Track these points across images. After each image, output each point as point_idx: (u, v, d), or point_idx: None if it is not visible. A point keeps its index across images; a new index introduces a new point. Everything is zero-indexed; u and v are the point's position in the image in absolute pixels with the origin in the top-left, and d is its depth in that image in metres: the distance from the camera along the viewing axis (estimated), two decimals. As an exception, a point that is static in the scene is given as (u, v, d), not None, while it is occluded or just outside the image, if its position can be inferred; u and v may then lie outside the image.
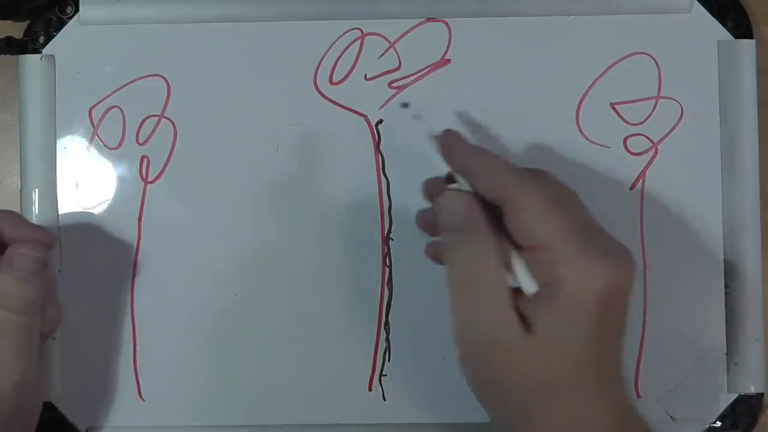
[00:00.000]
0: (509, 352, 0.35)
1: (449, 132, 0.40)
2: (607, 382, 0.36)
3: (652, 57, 0.45)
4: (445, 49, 0.45)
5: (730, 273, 0.45)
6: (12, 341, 0.38)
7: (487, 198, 0.37)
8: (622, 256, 0.36)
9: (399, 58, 0.45)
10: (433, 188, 0.40)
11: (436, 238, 0.41)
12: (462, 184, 0.38)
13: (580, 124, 0.45)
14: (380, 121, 0.45)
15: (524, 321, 0.35)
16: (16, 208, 0.45)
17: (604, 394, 0.36)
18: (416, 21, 0.45)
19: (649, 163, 0.45)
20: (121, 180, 0.46)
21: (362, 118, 0.45)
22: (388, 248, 0.45)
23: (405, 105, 0.45)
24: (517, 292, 0.36)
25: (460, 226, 0.37)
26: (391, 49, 0.45)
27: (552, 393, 0.35)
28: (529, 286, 0.36)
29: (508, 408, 0.37)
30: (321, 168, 0.45)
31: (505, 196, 0.36)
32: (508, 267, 0.36)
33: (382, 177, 0.45)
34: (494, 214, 0.37)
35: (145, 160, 0.46)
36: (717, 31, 0.45)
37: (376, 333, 0.45)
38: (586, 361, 0.35)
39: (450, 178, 0.38)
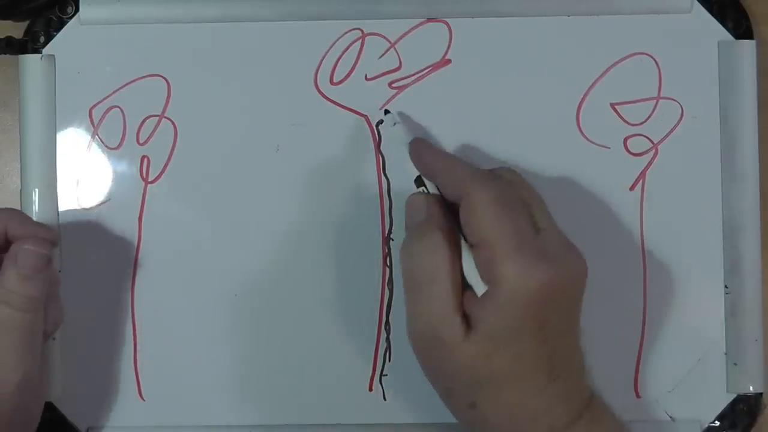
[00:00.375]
0: (450, 350, 0.37)
1: (418, 139, 0.42)
2: (555, 377, 0.37)
3: (652, 57, 0.45)
4: (445, 49, 0.45)
5: (730, 273, 0.45)
6: (15, 339, 0.38)
7: (448, 197, 0.39)
8: (565, 258, 0.37)
9: (399, 59, 0.45)
10: None
11: None
12: (429, 187, 0.40)
13: (581, 125, 0.45)
14: (381, 122, 0.45)
15: (468, 319, 0.37)
16: (16, 208, 0.45)
17: (551, 388, 0.37)
18: (417, 21, 0.45)
19: (650, 163, 0.45)
20: (122, 180, 0.46)
21: (363, 119, 0.45)
22: (389, 248, 0.45)
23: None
24: (469, 290, 0.37)
25: (418, 226, 0.39)
26: (392, 49, 0.45)
27: (494, 387, 0.37)
28: (478, 286, 0.37)
29: (455, 397, 0.39)
30: (321, 168, 0.45)
31: (461, 194, 0.38)
32: (461, 266, 0.38)
33: (383, 177, 0.45)
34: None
35: (146, 160, 0.46)
36: (717, 31, 0.45)
37: (376, 333, 0.45)
38: (526, 358, 0.36)
39: (420, 183, 0.41)
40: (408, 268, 0.39)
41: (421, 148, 0.42)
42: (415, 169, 0.42)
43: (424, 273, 0.38)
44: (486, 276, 0.36)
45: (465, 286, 0.38)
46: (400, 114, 0.45)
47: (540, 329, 0.36)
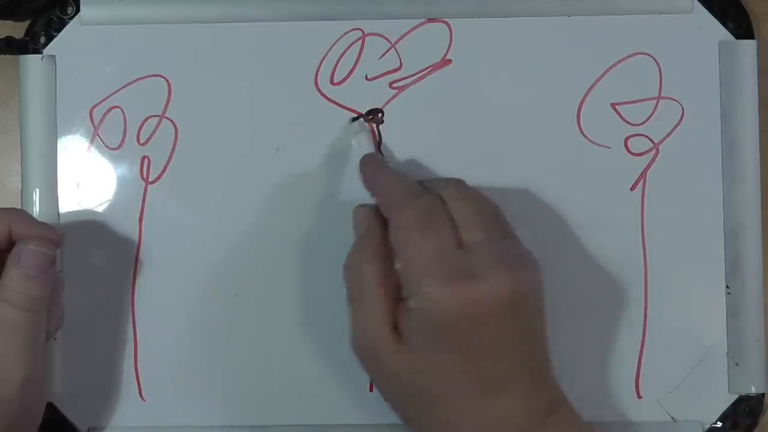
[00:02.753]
0: (382, 363, 0.38)
1: (369, 155, 0.43)
2: (493, 394, 0.36)
3: (653, 57, 0.45)
4: (446, 49, 0.45)
5: (731, 273, 0.45)
6: (17, 339, 0.38)
7: (384, 215, 0.40)
8: (491, 276, 0.36)
9: (400, 59, 0.45)
10: None
11: None
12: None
13: (581, 125, 0.45)
14: (381, 121, 0.45)
15: (399, 332, 0.37)
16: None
17: (489, 406, 0.36)
18: (417, 21, 0.45)
19: (650, 163, 0.45)
20: (122, 180, 0.46)
21: (363, 118, 0.45)
22: (389, 249, 0.45)
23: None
24: (405, 302, 0.38)
25: (357, 239, 0.40)
26: (392, 49, 0.45)
27: (427, 402, 0.37)
28: None
29: (396, 410, 0.39)
30: (322, 168, 0.45)
31: (388, 215, 0.39)
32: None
33: (383, 177, 0.45)
34: None
35: (146, 160, 0.46)
36: (718, 31, 0.45)
37: (377, 333, 0.45)
38: (453, 376, 0.36)
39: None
40: (345, 281, 0.40)
41: (366, 163, 0.43)
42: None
43: (357, 286, 0.39)
44: (409, 294, 0.37)
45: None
46: (364, 130, 0.45)
47: (461, 348, 0.36)
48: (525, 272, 0.37)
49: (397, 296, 0.38)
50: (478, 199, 0.39)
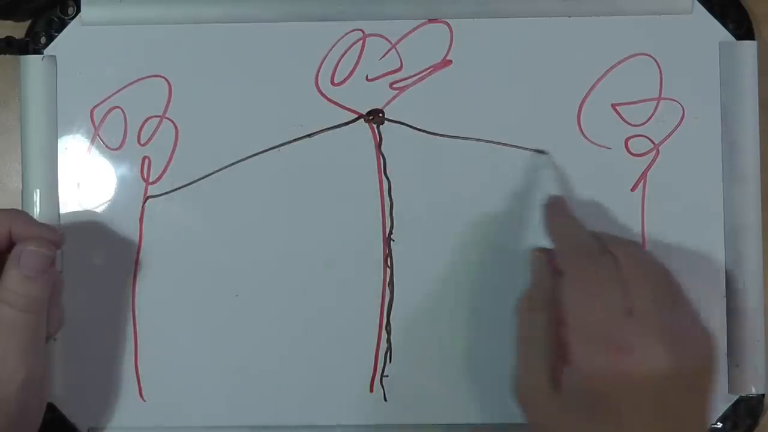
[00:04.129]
0: (537, 407, 0.39)
1: (553, 199, 0.44)
2: None
3: (653, 58, 0.45)
4: (446, 50, 0.45)
5: (731, 274, 0.45)
6: (17, 340, 0.38)
7: (558, 266, 0.40)
8: (648, 348, 0.35)
9: (400, 59, 0.45)
10: None
11: None
12: None
13: (582, 125, 0.45)
14: (381, 122, 0.45)
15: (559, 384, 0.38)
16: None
17: None
18: (417, 22, 0.45)
19: (651, 164, 0.45)
20: (122, 181, 0.46)
21: (363, 119, 0.45)
22: (390, 249, 0.45)
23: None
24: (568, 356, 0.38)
25: (530, 284, 0.42)
26: (393, 50, 0.45)
27: None
28: None
29: None
30: (322, 169, 0.45)
31: (563, 268, 0.39)
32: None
33: (384, 178, 0.45)
34: None
35: (147, 160, 0.46)
36: (718, 32, 0.45)
37: (377, 334, 0.45)
38: None
39: None
40: (518, 323, 0.41)
41: (550, 207, 0.44)
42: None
43: (526, 331, 0.40)
44: (571, 353, 0.37)
45: None
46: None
47: (612, 415, 0.36)
48: (687, 348, 0.36)
49: (563, 347, 0.38)
50: (651, 266, 0.39)
